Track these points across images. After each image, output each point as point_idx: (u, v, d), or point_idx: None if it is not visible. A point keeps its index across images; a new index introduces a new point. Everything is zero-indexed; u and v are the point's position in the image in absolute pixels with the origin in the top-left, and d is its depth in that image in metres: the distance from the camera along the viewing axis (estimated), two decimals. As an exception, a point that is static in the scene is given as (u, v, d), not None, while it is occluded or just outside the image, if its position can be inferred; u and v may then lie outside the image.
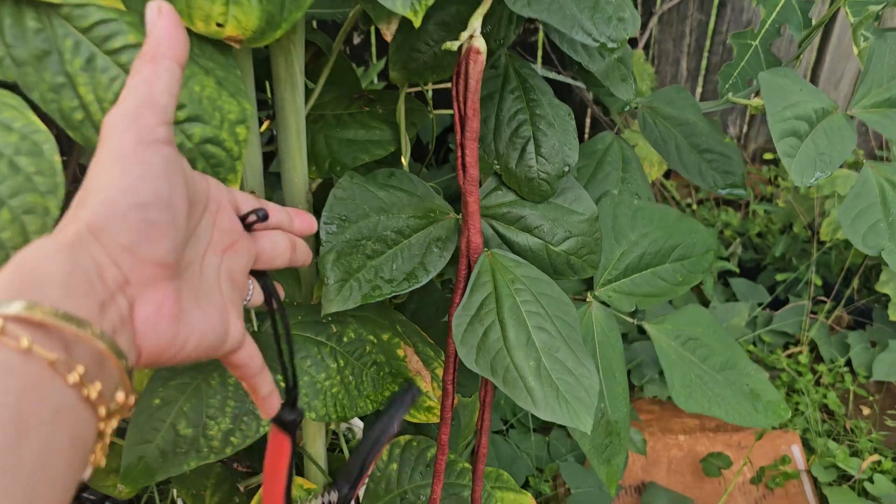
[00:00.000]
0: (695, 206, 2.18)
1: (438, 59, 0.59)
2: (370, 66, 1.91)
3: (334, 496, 0.58)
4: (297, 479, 0.73)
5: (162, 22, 0.33)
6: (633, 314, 0.71)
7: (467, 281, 0.58)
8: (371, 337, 0.65)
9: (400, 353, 0.69)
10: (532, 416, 1.61)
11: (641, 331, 0.73)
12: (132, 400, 0.31)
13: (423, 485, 0.76)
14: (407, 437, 0.78)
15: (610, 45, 0.51)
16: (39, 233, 0.38)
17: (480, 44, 0.51)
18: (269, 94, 0.80)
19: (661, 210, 0.72)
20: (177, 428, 0.54)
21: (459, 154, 0.55)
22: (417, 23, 0.43)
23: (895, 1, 0.66)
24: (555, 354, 0.54)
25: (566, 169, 0.60)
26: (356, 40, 1.93)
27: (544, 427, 1.64)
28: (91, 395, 0.28)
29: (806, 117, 0.60)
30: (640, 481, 1.54)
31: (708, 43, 2.02)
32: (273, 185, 0.74)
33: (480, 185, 0.60)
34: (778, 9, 0.81)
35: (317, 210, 0.77)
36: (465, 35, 0.51)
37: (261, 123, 0.73)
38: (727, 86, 0.85)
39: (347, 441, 1.15)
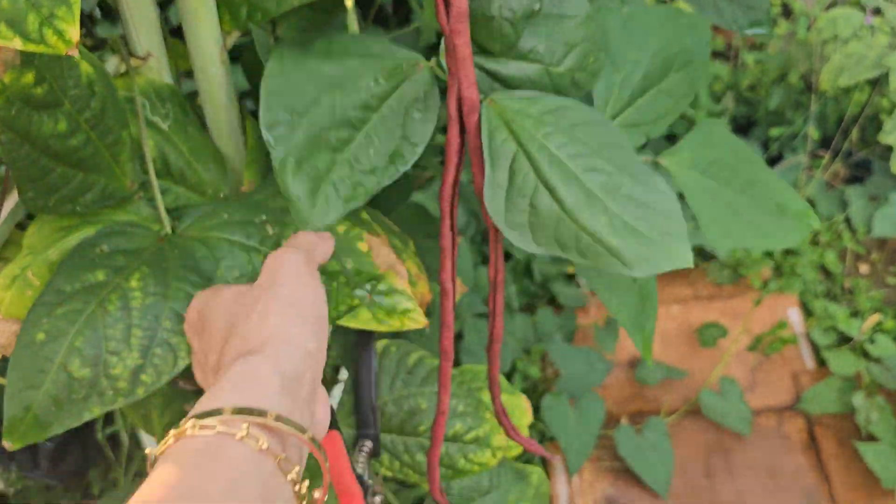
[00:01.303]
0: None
1: None
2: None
3: (367, 444, 0.60)
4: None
5: (326, 245, 0.47)
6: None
7: (462, 151, 0.45)
8: (320, 233, 0.51)
9: (362, 246, 0.56)
10: (516, 294, 1.52)
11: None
12: (324, 498, 0.35)
13: (405, 394, 0.65)
14: (384, 341, 0.67)
15: None
16: None
17: None
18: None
19: (658, 13, 0.57)
20: (69, 369, 0.42)
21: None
22: None
23: None
24: (620, 192, 0.43)
25: (536, 7, 0.45)
26: None
27: (529, 306, 1.55)
28: (302, 490, 0.33)
29: None
30: (633, 356, 1.48)
31: None
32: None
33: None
34: None
35: (238, 71, 0.62)
36: None
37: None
38: None
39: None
